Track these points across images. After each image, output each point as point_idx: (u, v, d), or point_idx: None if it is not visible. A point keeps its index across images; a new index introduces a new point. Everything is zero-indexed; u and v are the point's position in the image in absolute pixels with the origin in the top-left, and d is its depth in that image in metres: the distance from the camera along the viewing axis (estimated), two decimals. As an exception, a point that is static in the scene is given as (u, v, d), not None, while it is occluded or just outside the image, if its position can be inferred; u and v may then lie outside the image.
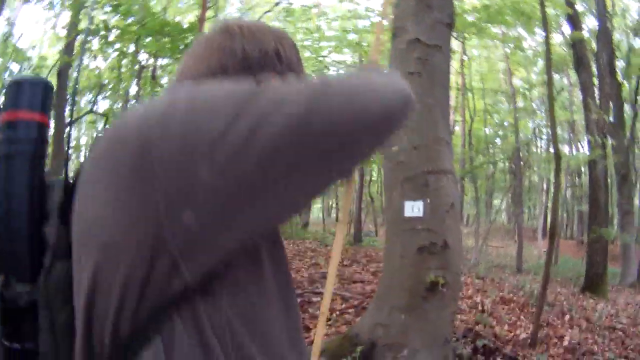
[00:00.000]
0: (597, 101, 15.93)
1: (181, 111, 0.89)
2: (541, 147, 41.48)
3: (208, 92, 0.94)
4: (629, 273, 17.05)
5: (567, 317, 9.88)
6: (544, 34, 8.15)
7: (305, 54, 15.71)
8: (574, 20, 16.51)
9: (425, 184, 5.81)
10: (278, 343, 1.11)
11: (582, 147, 32.46)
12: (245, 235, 0.97)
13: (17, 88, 1.21)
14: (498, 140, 30.71)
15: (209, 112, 0.88)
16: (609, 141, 15.54)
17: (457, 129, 25.69)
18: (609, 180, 17.38)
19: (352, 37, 16.67)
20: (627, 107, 20.28)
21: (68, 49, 12.81)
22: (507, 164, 29.01)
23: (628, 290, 15.79)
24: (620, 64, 19.64)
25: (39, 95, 1.21)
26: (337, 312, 8.28)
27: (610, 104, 16.83)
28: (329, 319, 7.67)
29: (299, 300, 8.42)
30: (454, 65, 20.10)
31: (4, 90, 1.23)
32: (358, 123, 0.91)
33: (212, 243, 0.93)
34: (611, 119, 16.55)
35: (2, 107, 1.20)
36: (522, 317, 9.29)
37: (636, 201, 25.82)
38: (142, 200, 0.88)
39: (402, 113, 1.01)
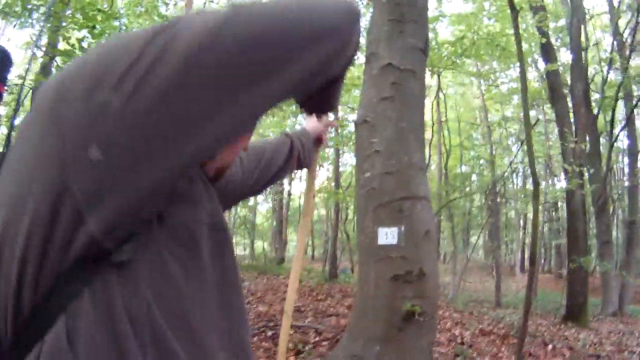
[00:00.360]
0: (573, 133, 16.06)
1: (95, 53, 0.86)
2: (517, 183, 41.98)
3: (123, 36, 0.89)
4: (610, 302, 17.07)
5: (549, 347, 9.77)
6: (518, 68, 8.20)
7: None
8: (548, 54, 16.72)
9: (400, 210, 5.70)
10: (209, 344, 1.03)
11: (559, 181, 32.84)
12: (161, 174, 0.85)
13: None
14: (474, 177, 30.92)
15: (121, 48, 0.84)
16: (586, 172, 15.64)
17: (433, 167, 25.84)
18: (586, 211, 17.44)
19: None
20: (602, 140, 20.58)
21: (45, 70, 12.72)
22: (483, 200, 29.21)
23: (610, 319, 15.80)
24: (595, 97, 19.95)
25: None
26: (311, 345, 8.12)
27: (586, 135, 16.98)
28: (301, 352, 7.54)
29: (270, 333, 8.32)
30: (430, 101, 20.29)
31: None
32: (286, 33, 0.85)
33: (121, 184, 0.82)
34: (587, 150, 16.69)
35: None
36: (503, 349, 9.17)
37: (614, 232, 26.01)
38: (48, 140, 0.82)
39: (345, 24, 0.94)
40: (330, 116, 2.45)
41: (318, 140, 2.33)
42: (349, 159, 32.62)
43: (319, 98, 1.14)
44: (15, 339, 0.86)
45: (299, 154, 2.17)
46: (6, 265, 0.84)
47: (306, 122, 2.38)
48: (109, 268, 0.86)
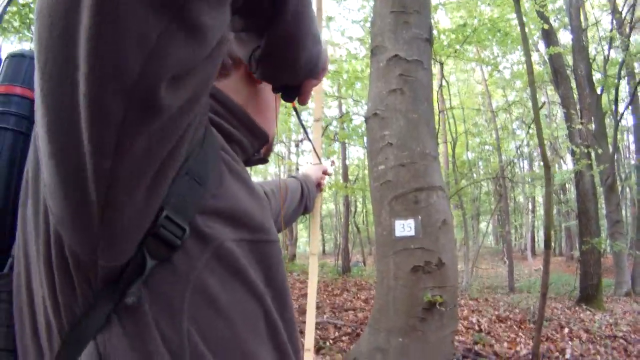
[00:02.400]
0: (578, 114, 15.98)
1: None
2: (524, 167, 41.84)
3: None
4: (623, 282, 16.97)
5: (565, 330, 9.75)
6: (519, 52, 8.19)
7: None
8: (549, 37, 16.63)
9: (415, 201, 5.69)
10: None
11: (566, 164, 32.75)
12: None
13: (17, 62, 1.18)
14: (480, 164, 30.88)
15: None
16: (593, 153, 15.55)
17: (440, 153, 25.77)
18: (595, 191, 17.36)
19: (330, 67, 16.66)
20: (607, 120, 20.49)
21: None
22: (491, 186, 29.11)
23: (624, 299, 15.70)
24: (597, 76, 19.84)
25: None
26: (331, 341, 8.11)
27: (591, 115, 16.89)
28: (322, 348, 7.53)
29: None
30: (434, 90, 20.20)
31: (2, 62, 1.20)
32: None
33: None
34: (593, 130, 16.61)
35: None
36: (520, 333, 9.17)
37: (623, 211, 25.91)
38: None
39: None
40: (327, 164, 2.64)
41: (318, 186, 2.45)
42: (355, 153, 32.64)
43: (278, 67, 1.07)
44: None
45: (306, 200, 2.26)
46: (38, 284, 0.86)
47: (306, 168, 2.48)
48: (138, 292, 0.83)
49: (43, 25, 0.67)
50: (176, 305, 0.85)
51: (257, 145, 1.23)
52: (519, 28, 8.03)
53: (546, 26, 15.04)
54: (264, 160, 1.34)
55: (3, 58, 1.20)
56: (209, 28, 0.70)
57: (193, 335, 0.85)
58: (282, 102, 1.31)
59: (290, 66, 1.06)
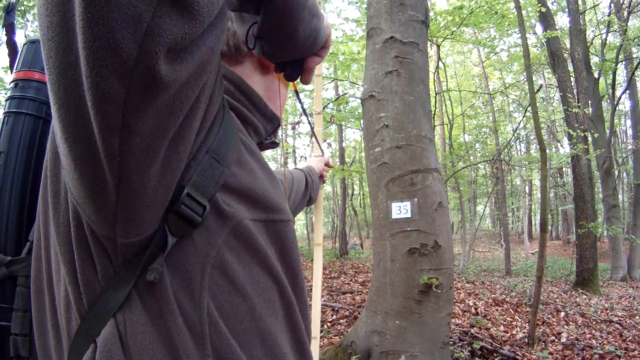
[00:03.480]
0: (576, 97, 15.98)
1: None
2: (521, 150, 41.91)
3: None
4: (619, 267, 17.06)
5: (562, 314, 9.81)
6: (516, 34, 8.17)
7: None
8: (546, 19, 16.61)
9: (412, 183, 5.69)
10: (281, 347, 0.99)
11: (562, 147, 32.80)
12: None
13: (33, 48, 1.20)
14: (478, 146, 30.88)
15: None
16: (590, 137, 15.55)
17: (436, 135, 25.78)
18: (592, 175, 17.39)
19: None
20: (604, 104, 20.48)
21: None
22: (488, 169, 29.15)
23: (619, 284, 15.81)
24: (595, 60, 19.84)
25: None
26: (329, 324, 8.15)
27: (589, 99, 16.89)
28: (320, 331, 7.55)
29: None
30: (430, 70, 20.16)
31: (21, 48, 1.23)
32: None
33: None
34: (590, 114, 16.61)
35: (17, 65, 1.20)
36: (516, 317, 9.21)
37: (619, 195, 25.97)
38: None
39: None
40: (327, 154, 2.71)
41: (320, 177, 2.50)
42: (351, 135, 32.63)
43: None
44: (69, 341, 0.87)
45: (310, 191, 2.31)
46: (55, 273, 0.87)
47: (309, 160, 2.55)
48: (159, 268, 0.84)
49: (43, 19, 0.69)
50: (196, 281, 0.87)
51: (269, 129, 1.26)
52: (515, 11, 8.01)
53: (543, 9, 15.00)
54: (275, 144, 1.35)
55: (21, 44, 1.21)
56: (204, 1, 0.70)
57: (212, 311, 0.87)
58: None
59: (289, 40, 1.05)
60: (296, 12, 0.97)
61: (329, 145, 23.62)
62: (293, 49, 1.08)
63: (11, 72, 1.24)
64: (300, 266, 1.10)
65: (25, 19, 10.63)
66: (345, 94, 19.75)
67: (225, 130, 0.94)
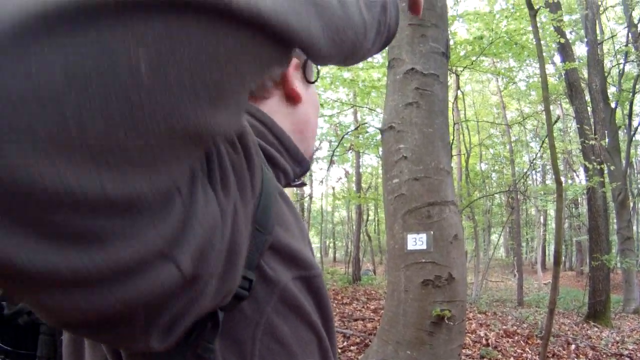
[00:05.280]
0: (592, 128, 15.99)
1: None
2: (537, 180, 41.69)
3: None
4: (632, 299, 16.90)
5: (572, 346, 9.74)
6: (535, 64, 8.20)
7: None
8: (565, 50, 16.64)
9: (428, 215, 5.72)
10: None
11: (578, 177, 32.61)
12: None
13: None
14: (494, 175, 30.79)
15: None
16: (606, 168, 15.51)
17: (453, 165, 25.78)
18: (607, 207, 17.31)
19: (346, 75, 16.63)
20: (621, 134, 20.40)
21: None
22: (503, 198, 29.03)
23: (632, 316, 15.65)
24: (612, 90, 19.78)
25: None
26: (339, 350, 8.13)
27: (605, 130, 16.87)
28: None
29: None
30: (449, 100, 20.09)
31: None
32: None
33: None
34: (606, 145, 16.58)
35: None
36: (527, 349, 9.17)
37: (634, 227, 25.75)
38: None
39: None
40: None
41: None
42: (368, 160, 32.62)
43: None
44: None
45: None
46: None
47: None
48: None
49: None
50: (247, 348, 0.86)
51: (299, 172, 1.20)
52: (535, 42, 8.05)
53: (562, 40, 15.04)
54: (303, 184, 1.31)
55: None
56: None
57: None
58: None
59: (352, 52, 0.83)
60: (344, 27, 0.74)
61: (347, 173, 23.63)
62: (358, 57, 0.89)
63: None
64: (332, 313, 1.10)
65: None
66: (365, 123, 19.78)
67: (267, 195, 0.89)
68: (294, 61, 1.16)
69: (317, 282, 1.04)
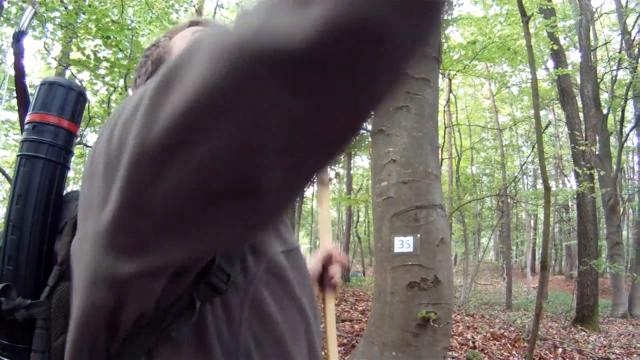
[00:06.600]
0: (583, 134, 16.06)
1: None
2: (527, 184, 41.77)
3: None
4: (620, 304, 17.00)
5: (559, 350, 9.79)
6: (528, 68, 8.26)
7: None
8: (558, 56, 16.71)
9: (415, 219, 5.77)
10: None
11: (569, 182, 32.73)
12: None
13: (50, 90, 1.18)
14: (485, 179, 30.84)
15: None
16: (596, 173, 15.59)
17: (444, 168, 25.87)
18: (596, 212, 17.38)
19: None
20: (612, 140, 20.48)
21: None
22: (494, 201, 29.09)
23: (620, 321, 15.73)
24: (604, 96, 19.88)
25: (72, 103, 1.19)
26: (326, 352, 8.14)
27: (596, 136, 16.97)
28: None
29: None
30: (441, 103, 20.21)
31: (36, 89, 1.20)
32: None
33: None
34: (597, 151, 16.67)
35: (32, 106, 1.17)
36: (514, 352, 9.21)
37: (624, 232, 25.85)
38: None
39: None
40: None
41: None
42: (359, 162, 32.65)
43: None
44: None
45: None
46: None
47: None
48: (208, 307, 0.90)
49: None
50: (236, 315, 0.93)
51: None
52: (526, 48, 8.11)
53: (555, 47, 15.12)
54: None
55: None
56: None
57: (248, 342, 0.94)
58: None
59: None
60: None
61: (337, 174, 23.64)
62: None
63: (20, 101, 1.28)
64: (312, 286, 1.18)
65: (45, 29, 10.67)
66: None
67: None
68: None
69: (298, 255, 1.14)
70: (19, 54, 1.33)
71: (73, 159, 1.30)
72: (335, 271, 1.72)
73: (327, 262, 1.71)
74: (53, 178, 1.14)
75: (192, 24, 1.32)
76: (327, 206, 1.71)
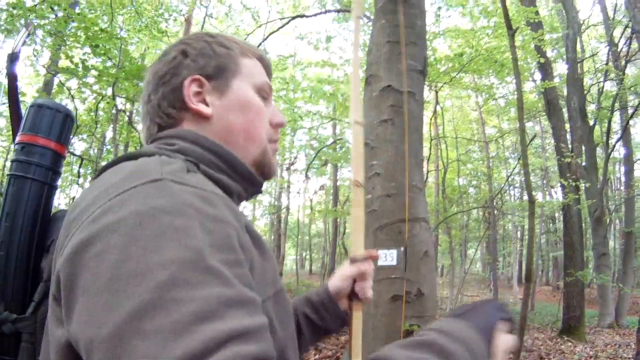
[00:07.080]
0: (570, 145, 16.17)
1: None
2: (514, 195, 41.91)
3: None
4: (607, 314, 17.09)
5: (545, 361, 9.84)
6: (515, 81, 8.33)
7: (280, 106, 15.60)
8: (545, 69, 16.82)
9: (399, 231, 5.78)
10: None
11: (556, 193, 32.88)
12: None
13: (38, 112, 1.22)
14: (472, 190, 30.93)
15: None
16: (582, 185, 15.67)
17: (431, 179, 25.94)
18: (583, 223, 17.47)
19: (327, 88, 16.65)
20: (599, 151, 20.62)
21: (47, 87, 12.71)
22: (480, 213, 29.17)
23: (606, 331, 15.81)
24: (591, 107, 20.00)
25: (59, 124, 1.23)
26: (344, 360, 8.18)
27: (583, 147, 17.07)
28: (303, 370, 7.55)
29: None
30: (427, 115, 20.27)
31: (26, 110, 1.24)
32: None
33: None
34: (584, 162, 16.77)
35: (22, 127, 1.21)
36: (499, 364, 9.21)
37: (611, 243, 25.99)
38: None
39: None
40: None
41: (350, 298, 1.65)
42: (346, 174, 32.73)
43: None
44: None
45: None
46: None
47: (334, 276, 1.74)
48: None
49: None
50: None
51: (251, 191, 1.22)
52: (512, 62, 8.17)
53: (542, 60, 15.21)
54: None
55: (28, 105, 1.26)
56: None
57: None
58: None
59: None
60: None
61: (322, 186, 23.70)
62: None
63: (13, 123, 1.32)
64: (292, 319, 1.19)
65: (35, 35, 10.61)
66: (341, 138, 19.85)
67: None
68: (193, 81, 1.17)
69: (282, 296, 1.11)
70: (13, 77, 1.36)
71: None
72: (363, 287, 1.64)
73: (358, 277, 1.61)
74: (40, 197, 1.18)
75: (260, 60, 1.32)
76: (361, 209, 1.59)
